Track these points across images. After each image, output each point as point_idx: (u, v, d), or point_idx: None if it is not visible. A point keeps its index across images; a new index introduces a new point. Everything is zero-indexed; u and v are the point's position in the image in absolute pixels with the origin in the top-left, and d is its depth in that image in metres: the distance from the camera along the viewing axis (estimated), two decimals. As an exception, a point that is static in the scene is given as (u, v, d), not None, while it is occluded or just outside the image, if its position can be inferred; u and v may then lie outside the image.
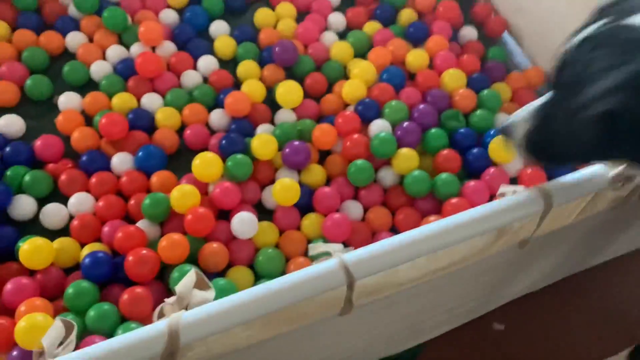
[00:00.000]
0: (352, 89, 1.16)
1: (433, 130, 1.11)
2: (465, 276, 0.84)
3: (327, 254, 0.64)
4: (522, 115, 0.63)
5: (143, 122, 1.10)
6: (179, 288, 0.63)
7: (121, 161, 1.05)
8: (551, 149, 0.61)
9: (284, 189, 1.01)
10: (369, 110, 1.13)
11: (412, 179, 1.04)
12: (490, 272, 0.88)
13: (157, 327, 0.56)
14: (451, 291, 0.88)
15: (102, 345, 0.55)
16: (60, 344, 0.64)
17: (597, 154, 0.59)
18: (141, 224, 0.98)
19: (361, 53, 1.27)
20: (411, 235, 0.64)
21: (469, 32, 1.34)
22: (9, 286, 0.86)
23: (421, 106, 1.13)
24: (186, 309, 0.60)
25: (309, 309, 0.62)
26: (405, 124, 1.10)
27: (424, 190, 1.04)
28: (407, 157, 1.06)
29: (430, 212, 1.04)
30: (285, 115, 1.16)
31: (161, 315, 0.61)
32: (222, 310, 0.57)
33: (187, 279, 0.64)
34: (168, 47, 1.22)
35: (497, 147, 1.06)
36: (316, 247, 0.66)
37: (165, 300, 0.63)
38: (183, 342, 0.55)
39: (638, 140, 0.51)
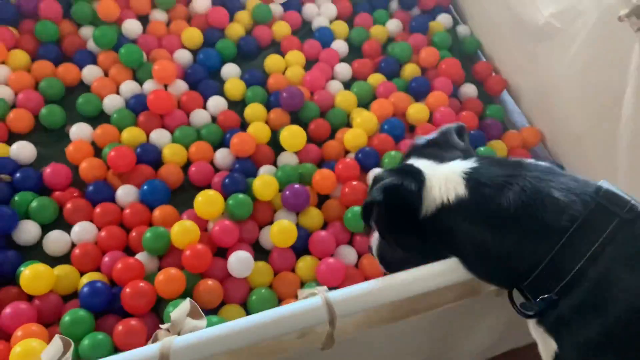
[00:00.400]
0: (353, 137, 1.20)
1: (429, 182, 1.14)
2: (443, 321, 0.87)
3: (313, 295, 0.67)
4: (375, 237, 0.80)
5: (150, 156, 1.14)
6: (173, 315, 0.66)
7: (126, 193, 1.08)
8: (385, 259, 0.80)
9: (281, 231, 1.04)
10: (368, 159, 1.17)
11: (406, 229, 1.07)
12: (474, 318, 0.91)
13: (150, 349, 0.59)
14: (429, 335, 0.90)
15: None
16: (58, 360, 0.67)
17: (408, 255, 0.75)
18: (140, 256, 1.00)
19: (364, 103, 1.32)
20: (392, 279, 0.69)
21: (469, 90, 1.40)
22: (7, 310, 0.89)
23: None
24: (179, 335, 0.63)
25: (292, 341, 0.65)
26: (403, 174, 1.14)
27: (417, 241, 1.07)
28: (402, 207, 1.09)
29: (422, 262, 1.07)
30: (287, 158, 1.20)
31: (155, 340, 0.64)
32: (211, 337, 0.61)
33: (181, 308, 0.67)
34: (180, 86, 1.27)
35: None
36: (304, 292, 0.70)
37: (161, 326, 0.65)
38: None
39: (402, 230, 0.71)
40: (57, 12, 1.29)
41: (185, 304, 0.68)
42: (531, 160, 0.66)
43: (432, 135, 0.79)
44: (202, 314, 0.68)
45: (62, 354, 0.65)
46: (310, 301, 0.64)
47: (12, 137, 1.15)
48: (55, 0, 1.29)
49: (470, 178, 0.65)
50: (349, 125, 1.28)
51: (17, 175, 1.07)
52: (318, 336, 0.67)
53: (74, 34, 1.31)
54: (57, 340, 0.65)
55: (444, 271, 0.70)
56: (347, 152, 1.23)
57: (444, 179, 0.66)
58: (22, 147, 1.12)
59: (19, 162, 1.11)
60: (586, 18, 1.13)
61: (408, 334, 0.83)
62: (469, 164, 0.67)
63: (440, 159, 0.72)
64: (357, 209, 1.09)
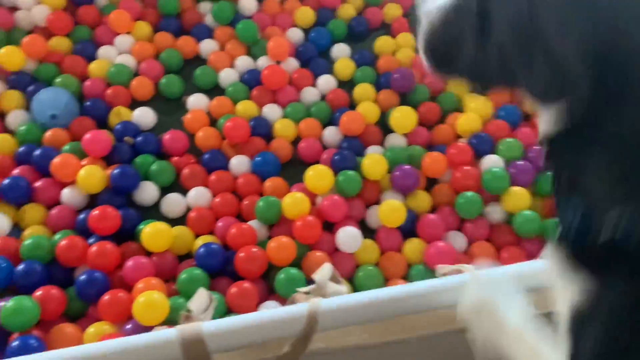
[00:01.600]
0: (467, 122, 1.17)
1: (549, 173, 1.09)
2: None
3: (458, 272, 0.64)
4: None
5: (262, 130, 1.16)
6: (317, 277, 0.66)
7: (239, 163, 1.10)
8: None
9: (391, 210, 1.02)
10: (483, 145, 1.13)
11: (523, 219, 1.02)
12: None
13: (298, 309, 0.59)
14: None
15: (242, 318, 0.58)
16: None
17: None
18: (252, 223, 1.02)
19: (478, 89, 1.27)
20: (539, 263, 0.65)
21: (590, 80, 1.31)
22: (129, 263, 0.93)
23: (538, 147, 1.12)
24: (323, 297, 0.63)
25: (425, 321, 0.63)
26: (520, 162, 1.09)
27: (534, 231, 1.02)
28: (519, 196, 1.04)
29: (537, 254, 1.02)
30: (395, 140, 1.18)
31: (293, 303, 0.64)
32: (358, 303, 0.60)
33: (323, 271, 0.67)
34: (291, 63, 1.28)
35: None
36: (446, 267, 0.67)
37: (298, 289, 0.65)
38: (320, 327, 0.57)
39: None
40: (179, -12, 1.34)
41: (327, 268, 0.67)
42: None
43: None
44: (341, 279, 0.68)
45: (207, 306, 0.67)
46: (462, 277, 0.62)
47: (134, 103, 1.20)
48: (178, -24, 1.34)
49: None
50: (460, 110, 1.24)
51: (139, 139, 1.12)
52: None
53: (194, 8, 1.35)
54: (202, 292, 0.67)
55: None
56: (458, 136, 1.19)
57: None
58: (143, 113, 1.17)
59: (140, 127, 1.16)
60: None
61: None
62: None
63: None
64: (469, 194, 1.05)
